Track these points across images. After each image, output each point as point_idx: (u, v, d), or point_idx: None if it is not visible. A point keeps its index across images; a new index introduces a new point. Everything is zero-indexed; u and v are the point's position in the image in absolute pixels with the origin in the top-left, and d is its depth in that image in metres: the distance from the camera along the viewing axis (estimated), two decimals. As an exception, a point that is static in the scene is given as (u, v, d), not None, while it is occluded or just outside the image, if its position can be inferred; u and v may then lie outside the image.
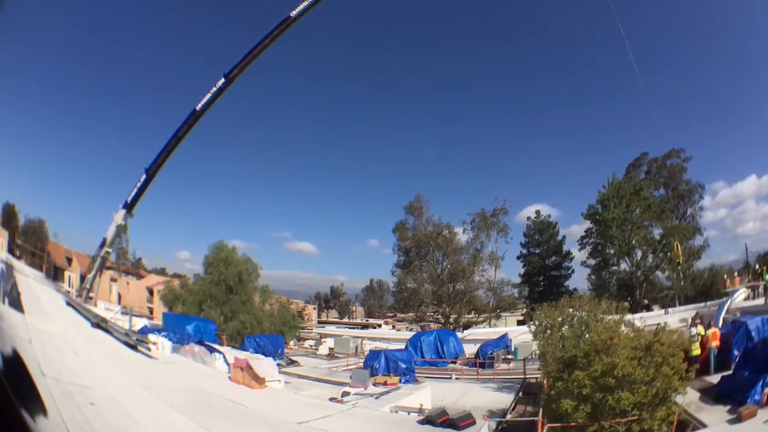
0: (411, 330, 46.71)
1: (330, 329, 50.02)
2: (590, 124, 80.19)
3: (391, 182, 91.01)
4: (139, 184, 25.74)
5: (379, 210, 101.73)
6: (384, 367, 22.30)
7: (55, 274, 32.62)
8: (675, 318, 30.29)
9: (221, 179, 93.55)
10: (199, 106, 25.59)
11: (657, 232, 45.33)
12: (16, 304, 10.51)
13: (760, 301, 28.30)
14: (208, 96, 25.65)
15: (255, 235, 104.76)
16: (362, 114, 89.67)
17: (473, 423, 12.29)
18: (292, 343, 38.68)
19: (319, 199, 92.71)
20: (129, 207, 26.04)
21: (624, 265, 47.30)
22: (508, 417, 16.02)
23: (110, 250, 28.10)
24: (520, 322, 45.06)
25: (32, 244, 31.20)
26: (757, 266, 35.50)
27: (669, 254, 44.50)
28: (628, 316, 18.13)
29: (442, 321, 48.01)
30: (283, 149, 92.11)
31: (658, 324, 16.47)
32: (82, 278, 27.74)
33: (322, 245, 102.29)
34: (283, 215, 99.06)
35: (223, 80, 25.66)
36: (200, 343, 20.66)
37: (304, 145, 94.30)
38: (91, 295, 27.09)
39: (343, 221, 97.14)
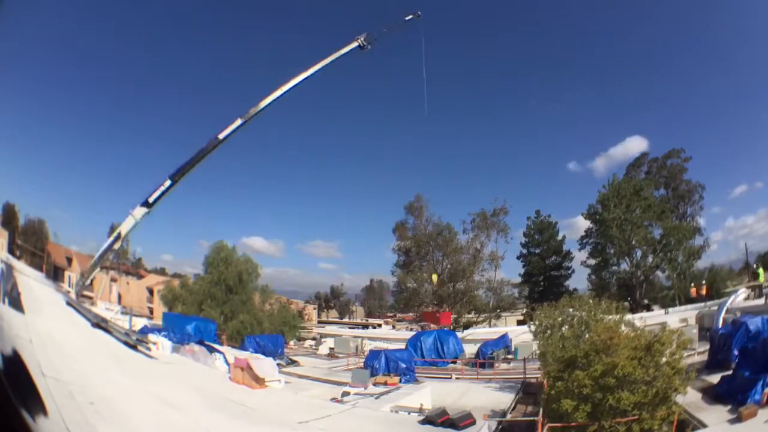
0: (411, 330, 46.68)
1: (330, 329, 50.00)
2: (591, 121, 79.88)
3: (392, 182, 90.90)
4: (162, 188, 27.20)
5: (382, 209, 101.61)
6: (384, 367, 22.29)
7: (55, 274, 32.66)
8: (675, 318, 30.37)
9: (221, 179, 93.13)
10: (221, 136, 28.17)
11: (657, 232, 45.36)
12: (17, 304, 10.51)
13: (761, 301, 28.36)
14: (228, 131, 28.28)
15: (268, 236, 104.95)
16: (360, 112, 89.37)
17: (473, 423, 12.29)
18: (292, 342, 38.67)
19: (322, 199, 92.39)
20: (149, 205, 27.04)
21: (624, 265, 47.36)
22: (508, 417, 16.02)
23: (124, 245, 29.10)
24: (520, 322, 45.03)
25: (32, 244, 31.25)
26: (754, 266, 35.64)
27: (669, 254, 44.60)
28: (628, 316, 18.15)
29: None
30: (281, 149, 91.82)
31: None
32: (82, 275, 27.76)
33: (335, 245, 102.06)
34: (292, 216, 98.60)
35: (239, 121, 28.43)
36: (200, 343, 20.65)
37: (303, 145, 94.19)
38: (86, 293, 27.19)
39: (349, 221, 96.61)
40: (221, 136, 28.04)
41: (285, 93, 29.30)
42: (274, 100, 29.19)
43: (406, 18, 32.45)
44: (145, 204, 26.87)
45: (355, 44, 30.44)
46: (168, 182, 27.22)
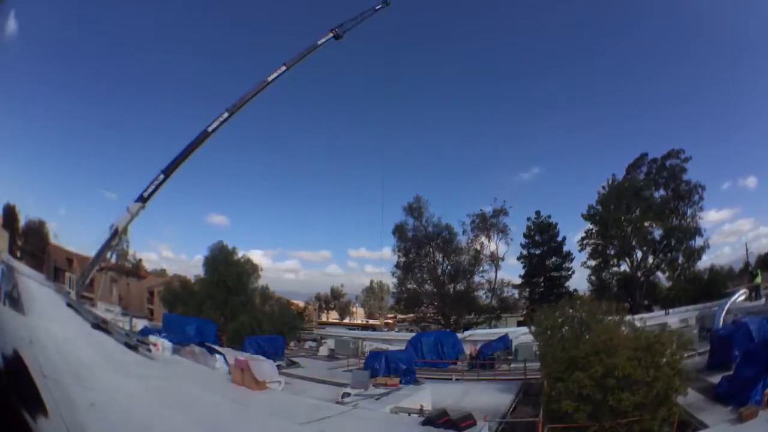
0: (411, 331, 46.66)
1: (331, 330, 49.97)
2: (590, 122, 79.75)
3: (391, 182, 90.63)
4: (156, 183, 28.67)
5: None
6: (384, 368, 22.24)
7: (55, 276, 32.63)
8: (675, 318, 30.37)
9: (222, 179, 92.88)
10: (210, 129, 30.20)
11: (657, 233, 45.34)
12: (17, 305, 10.52)
13: (761, 302, 28.34)
14: (216, 124, 30.45)
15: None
16: (360, 111, 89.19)
17: (474, 424, 12.28)
18: (292, 344, 38.64)
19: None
20: (144, 200, 28.35)
21: (624, 266, 47.33)
22: (509, 418, 16.00)
23: (122, 240, 31.02)
24: (520, 323, 44.96)
25: (33, 245, 31.25)
26: (750, 268, 35.57)
27: (669, 255, 44.59)
28: (629, 317, 18.11)
29: (443, 322, 47.97)
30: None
31: None
32: (82, 275, 27.97)
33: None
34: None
35: (226, 114, 30.56)
36: (200, 344, 20.65)
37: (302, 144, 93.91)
38: (86, 294, 27.38)
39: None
40: (210, 129, 29.89)
41: (270, 83, 31.40)
42: (259, 90, 31.21)
43: (376, 7, 33.67)
44: (140, 199, 27.98)
45: (330, 35, 32.74)
46: (161, 176, 28.51)
